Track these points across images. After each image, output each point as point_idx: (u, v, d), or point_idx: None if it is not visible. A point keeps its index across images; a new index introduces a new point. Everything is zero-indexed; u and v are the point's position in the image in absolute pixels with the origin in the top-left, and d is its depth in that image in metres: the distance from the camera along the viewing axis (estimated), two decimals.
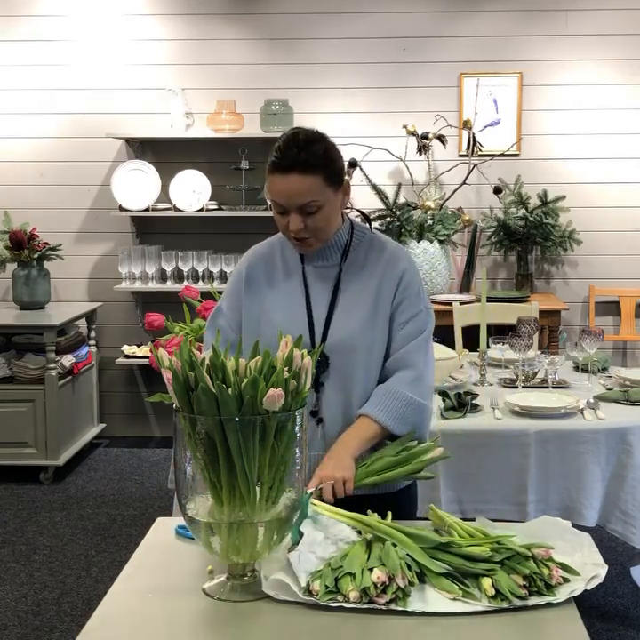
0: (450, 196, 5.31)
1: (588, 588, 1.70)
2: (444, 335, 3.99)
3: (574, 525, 1.94)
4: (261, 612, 1.64)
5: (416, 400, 2.13)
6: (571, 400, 3.19)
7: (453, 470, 2.97)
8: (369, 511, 1.87)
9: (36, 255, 5.20)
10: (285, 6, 5.47)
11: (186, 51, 5.52)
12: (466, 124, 5.33)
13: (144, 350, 5.41)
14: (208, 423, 1.63)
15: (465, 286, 5.37)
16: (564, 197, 5.35)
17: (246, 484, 1.64)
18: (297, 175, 2.02)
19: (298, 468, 1.71)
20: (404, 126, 5.33)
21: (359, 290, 2.17)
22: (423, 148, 5.33)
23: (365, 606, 1.62)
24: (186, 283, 5.32)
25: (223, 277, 5.34)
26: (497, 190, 5.34)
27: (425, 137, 5.31)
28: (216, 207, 5.40)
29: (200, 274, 5.40)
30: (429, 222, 5.12)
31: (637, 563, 3.74)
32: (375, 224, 5.06)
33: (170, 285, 5.43)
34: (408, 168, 5.39)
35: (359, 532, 1.83)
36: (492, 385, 3.54)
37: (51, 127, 5.59)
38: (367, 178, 5.24)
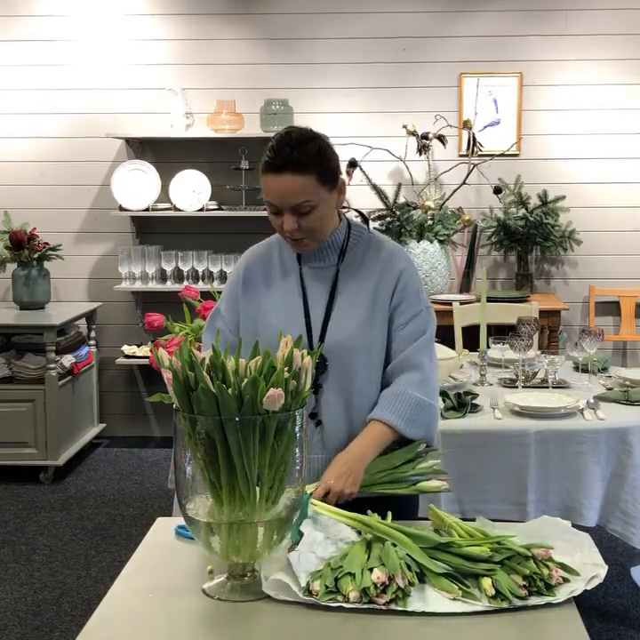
0: (450, 196, 5.31)
1: (588, 588, 1.70)
2: (443, 335, 3.97)
3: (574, 525, 1.94)
4: (261, 612, 1.64)
5: (426, 401, 2.12)
6: (571, 400, 3.19)
7: (453, 470, 2.96)
8: (369, 511, 1.87)
9: (36, 255, 5.20)
10: (285, 6, 5.47)
11: (186, 51, 5.52)
12: (466, 124, 5.33)
13: (144, 350, 5.41)
14: (208, 423, 1.63)
15: (465, 286, 5.37)
16: (563, 197, 5.35)
17: (246, 484, 1.64)
18: (290, 175, 2.01)
19: (298, 468, 1.71)
20: (404, 126, 5.33)
21: (356, 290, 2.15)
22: (423, 148, 5.33)
23: (365, 606, 1.62)
24: (186, 283, 5.32)
25: (223, 277, 5.34)
26: (497, 190, 5.34)
27: (425, 137, 5.31)
28: (216, 207, 5.40)
29: (200, 274, 5.40)
30: (429, 222, 5.12)
31: (637, 563, 3.74)
32: (375, 224, 5.06)
33: (170, 285, 5.43)
34: (408, 168, 5.39)
35: (359, 532, 1.83)
36: (492, 385, 3.54)
37: (51, 127, 5.59)
38: (367, 178, 5.24)
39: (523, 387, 3.46)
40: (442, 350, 3.44)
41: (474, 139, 5.32)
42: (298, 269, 2.19)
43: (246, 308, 2.20)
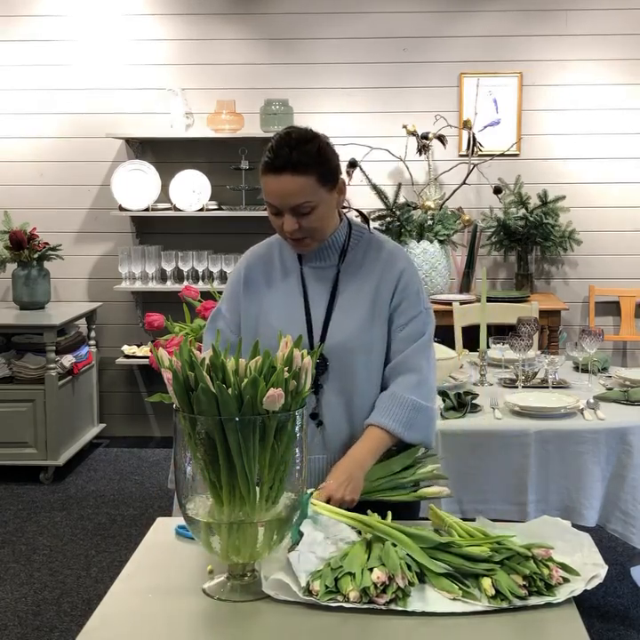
0: (450, 196, 5.31)
1: (588, 588, 1.70)
2: (444, 335, 3.98)
3: (574, 525, 1.94)
4: (261, 612, 1.64)
5: (423, 404, 2.11)
6: (571, 400, 3.19)
7: (453, 470, 2.97)
8: (369, 511, 1.87)
9: (35, 255, 5.20)
10: (285, 6, 5.47)
11: (186, 51, 5.52)
12: (466, 124, 5.33)
13: (144, 350, 5.41)
14: (208, 423, 1.63)
15: (465, 286, 5.37)
16: (563, 197, 5.35)
17: (246, 484, 1.64)
18: (289, 175, 2.00)
19: (298, 468, 1.71)
20: (404, 126, 5.33)
21: (357, 290, 2.15)
22: (423, 148, 5.33)
23: (365, 606, 1.62)
24: (186, 283, 5.32)
25: (223, 277, 5.34)
26: (497, 190, 5.34)
27: (425, 137, 5.31)
28: (216, 207, 5.40)
29: (200, 274, 5.40)
30: (429, 222, 5.12)
31: (637, 563, 3.74)
32: (375, 224, 5.06)
33: (170, 285, 5.43)
34: (408, 168, 5.39)
35: (359, 532, 1.83)
36: (492, 385, 3.54)
37: (51, 127, 5.59)
38: (367, 178, 5.24)
39: (523, 387, 3.46)
40: (442, 350, 3.44)
41: (474, 139, 5.32)
42: (298, 269, 2.19)
43: (247, 308, 2.20)
